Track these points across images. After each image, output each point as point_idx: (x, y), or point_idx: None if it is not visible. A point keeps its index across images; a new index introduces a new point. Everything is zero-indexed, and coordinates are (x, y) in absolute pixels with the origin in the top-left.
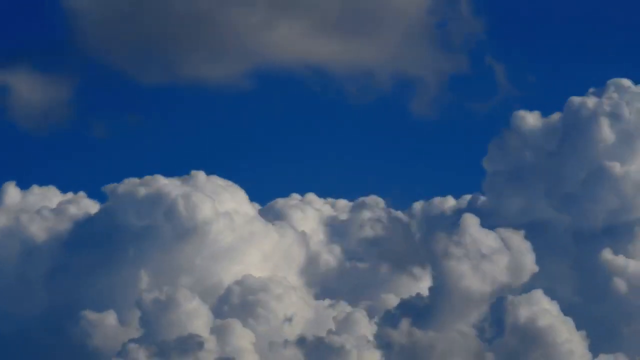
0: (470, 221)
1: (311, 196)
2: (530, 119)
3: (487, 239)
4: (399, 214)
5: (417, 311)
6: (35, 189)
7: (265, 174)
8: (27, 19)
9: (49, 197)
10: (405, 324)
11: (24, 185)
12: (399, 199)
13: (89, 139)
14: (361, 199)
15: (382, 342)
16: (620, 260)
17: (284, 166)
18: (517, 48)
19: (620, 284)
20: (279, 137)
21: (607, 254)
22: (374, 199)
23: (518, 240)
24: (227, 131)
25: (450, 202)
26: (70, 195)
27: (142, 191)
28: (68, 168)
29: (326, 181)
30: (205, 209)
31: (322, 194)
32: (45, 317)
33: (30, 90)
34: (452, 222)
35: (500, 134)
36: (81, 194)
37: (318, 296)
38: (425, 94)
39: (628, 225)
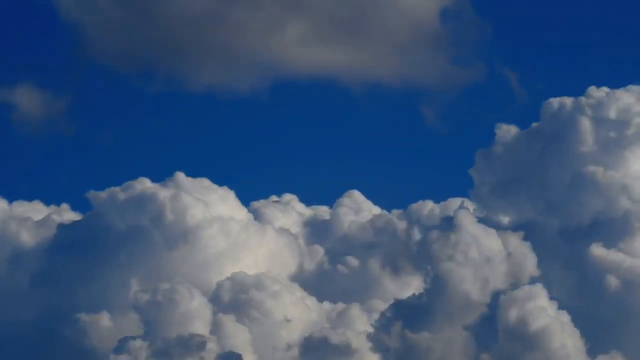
0: (466, 220)
1: (298, 198)
2: (513, 130)
3: (484, 239)
4: (393, 216)
5: (412, 313)
6: (22, 203)
7: (254, 177)
8: (27, 34)
9: (36, 209)
10: (401, 325)
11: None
12: (394, 202)
13: (87, 150)
14: (351, 201)
15: (379, 344)
16: (611, 255)
17: (273, 169)
18: (528, 55)
19: (612, 280)
20: (274, 143)
21: (597, 250)
22: (363, 201)
23: (515, 241)
24: (224, 136)
25: (439, 205)
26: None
27: (126, 195)
28: (70, 180)
29: (312, 184)
30: (194, 211)
31: (308, 197)
32: (41, 321)
33: (33, 104)
34: (445, 224)
35: (486, 145)
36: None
37: (311, 297)
38: (433, 101)
39: (613, 221)
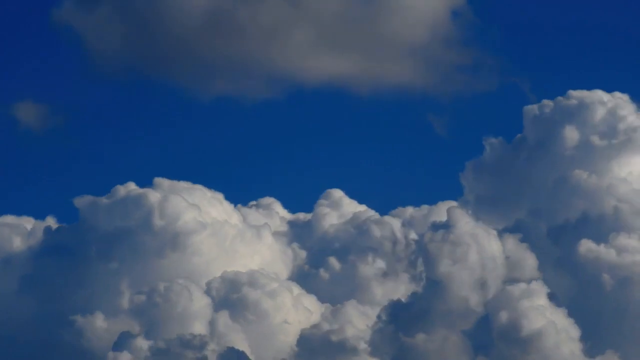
0: (462, 221)
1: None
2: (500, 142)
3: (480, 240)
4: (387, 218)
5: (408, 314)
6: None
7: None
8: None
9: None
10: (395, 327)
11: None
12: (388, 204)
13: (84, 163)
14: (340, 203)
15: (375, 346)
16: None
17: (262, 174)
18: (540, 62)
19: (599, 273)
20: (268, 149)
21: (586, 246)
22: (349, 202)
23: (512, 242)
24: (216, 142)
25: (431, 208)
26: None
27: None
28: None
29: (293, 188)
30: (183, 213)
31: (293, 201)
32: (35, 323)
33: (32, 118)
34: (440, 225)
35: (476, 155)
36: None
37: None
38: (442, 108)
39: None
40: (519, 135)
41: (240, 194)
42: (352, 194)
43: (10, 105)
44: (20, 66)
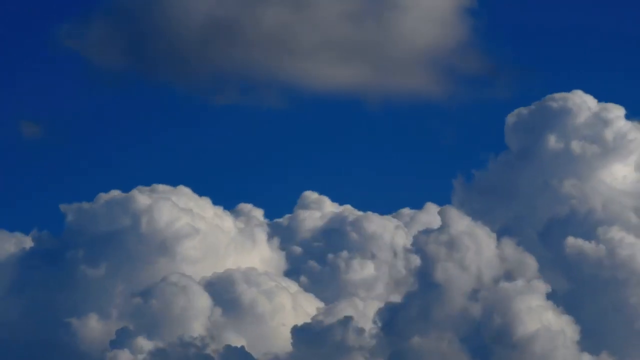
0: (457, 222)
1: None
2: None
3: (475, 241)
4: (383, 218)
5: (402, 317)
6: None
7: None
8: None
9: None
10: (391, 330)
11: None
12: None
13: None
14: (334, 204)
15: (370, 348)
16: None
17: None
18: (554, 71)
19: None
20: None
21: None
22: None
23: (511, 245)
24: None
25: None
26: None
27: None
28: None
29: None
30: (176, 218)
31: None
32: (30, 325)
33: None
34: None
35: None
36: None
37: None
38: (449, 117)
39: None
40: (504, 151)
41: (229, 198)
42: (341, 196)
43: (10, 121)
44: (18, 82)
